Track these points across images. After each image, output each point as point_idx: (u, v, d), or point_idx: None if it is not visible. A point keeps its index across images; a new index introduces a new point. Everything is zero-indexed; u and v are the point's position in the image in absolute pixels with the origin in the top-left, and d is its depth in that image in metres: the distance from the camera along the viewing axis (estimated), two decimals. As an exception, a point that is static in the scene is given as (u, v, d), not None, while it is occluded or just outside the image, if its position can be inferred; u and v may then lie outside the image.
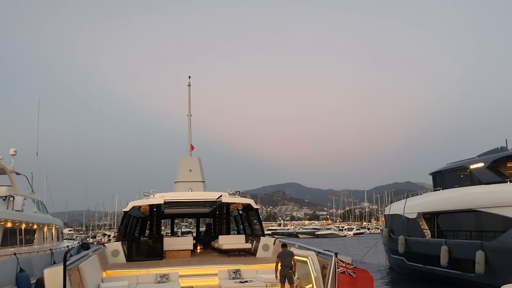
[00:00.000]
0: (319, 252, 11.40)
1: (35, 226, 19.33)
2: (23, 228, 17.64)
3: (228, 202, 19.53)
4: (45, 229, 21.31)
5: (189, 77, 27.17)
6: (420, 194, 29.00)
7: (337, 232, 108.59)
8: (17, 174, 20.07)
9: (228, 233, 22.66)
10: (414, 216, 26.78)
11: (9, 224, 16.02)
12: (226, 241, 18.82)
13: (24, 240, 17.68)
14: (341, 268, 9.83)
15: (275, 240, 17.63)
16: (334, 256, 10.11)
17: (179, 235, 41.22)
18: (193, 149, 25.11)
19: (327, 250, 11.20)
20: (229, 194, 19.50)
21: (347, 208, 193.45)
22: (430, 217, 25.95)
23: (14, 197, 16.43)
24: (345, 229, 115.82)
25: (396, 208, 29.99)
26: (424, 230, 25.87)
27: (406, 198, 29.33)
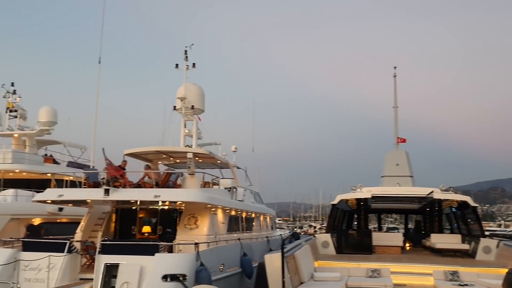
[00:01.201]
0: None
1: (253, 215, 21.25)
2: (243, 216, 19.59)
3: (440, 199, 18.39)
4: (261, 218, 23.27)
5: (395, 67, 26.49)
6: None
7: None
8: (238, 168, 22.37)
9: (440, 231, 21.32)
10: None
11: (233, 212, 17.98)
12: (440, 240, 17.75)
13: (244, 227, 19.63)
14: None
15: (498, 242, 15.88)
16: None
17: (385, 231, 40.60)
18: (404, 141, 24.30)
19: None
20: (441, 190, 18.40)
21: None
22: None
23: (236, 189, 18.32)
24: None
25: None
26: None
27: None
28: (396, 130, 24.89)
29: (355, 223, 24.87)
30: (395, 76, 26.12)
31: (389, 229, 52.18)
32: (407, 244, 22.14)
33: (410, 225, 31.10)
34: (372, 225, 30.83)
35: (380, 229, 30.94)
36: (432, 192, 17.69)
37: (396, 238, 18.55)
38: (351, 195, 18.75)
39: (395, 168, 22.97)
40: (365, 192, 18.44)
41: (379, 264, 13.64)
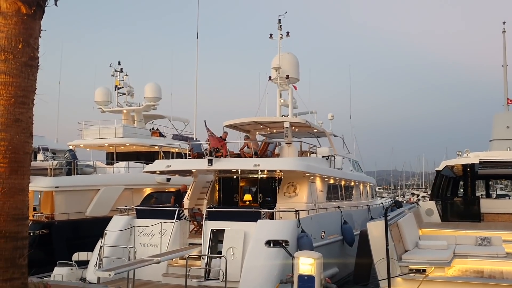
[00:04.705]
0: None
1: (352, 183, 21.03)
2: (342, 185, 19.47)
3: None
4: (361, 186, 22.95)
5: (504, 22, 24.33)
6: None
7: None
8: (335, 136, 22.14)
9: None
10: None
11: (331, 181, 17.95)
12: None
13: (344, 195, 19.53)
14: None
15: None
16: None
17: (494, 198, 38.15)
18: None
19: None
20: None
21: None
22: None
23: (334, 157, 18.20)
24: None
25: None
26: None
27: None
28: (505, 90, 23.13)
29: (461, 190, 23.70)
30: (504, 31, 24.10)
31: (498, 196, 49.07)
32: None
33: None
34: (479, 192, 29.05)
35: (488, 196, 29.15)
36: None
37: (508, 205, 17.46)
38: (456, 161, 17.80)
39: (505, 131, 21.37)
40: (472, 158, 17.40)
41: (489, 232, 12.94)
